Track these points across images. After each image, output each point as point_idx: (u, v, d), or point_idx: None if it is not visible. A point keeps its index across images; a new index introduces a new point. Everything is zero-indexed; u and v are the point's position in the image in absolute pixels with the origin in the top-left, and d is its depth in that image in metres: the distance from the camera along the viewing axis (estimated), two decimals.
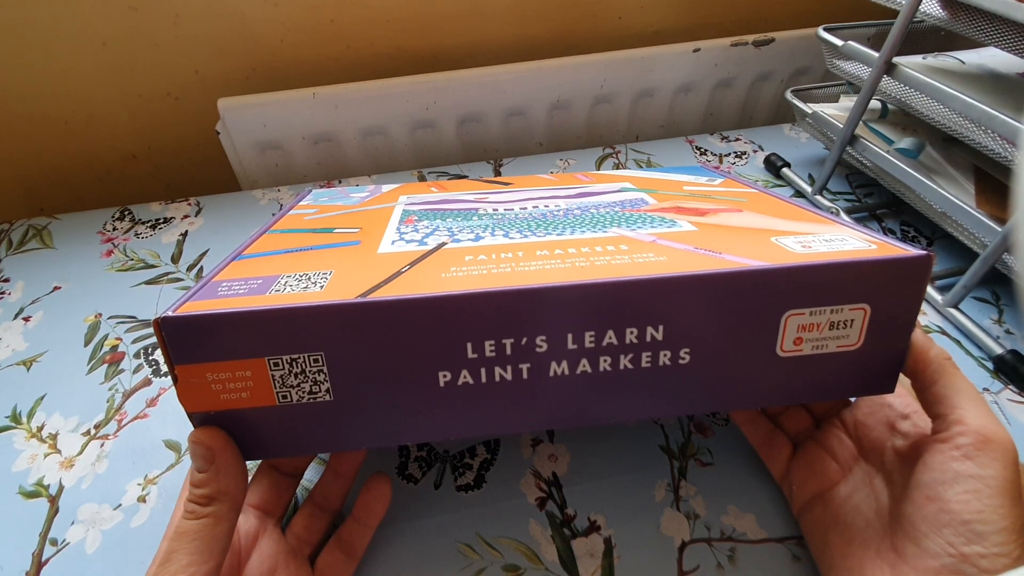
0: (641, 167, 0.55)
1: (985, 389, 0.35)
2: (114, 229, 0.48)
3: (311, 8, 0.52)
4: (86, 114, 0.54)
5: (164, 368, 0.37)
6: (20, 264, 0.45)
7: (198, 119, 0.55)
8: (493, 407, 0.22)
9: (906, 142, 0.44)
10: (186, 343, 0.20)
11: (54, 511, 0.30)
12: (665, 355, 0.22)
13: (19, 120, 0.53)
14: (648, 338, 0.21)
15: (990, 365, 0.36)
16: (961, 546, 0.20)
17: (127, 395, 0.36)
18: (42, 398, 0.36)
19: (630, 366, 0.22)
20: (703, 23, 0.63)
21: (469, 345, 0.21)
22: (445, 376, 0.21)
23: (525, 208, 0.32)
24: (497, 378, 0.22)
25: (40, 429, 0.34)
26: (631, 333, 0.21)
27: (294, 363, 0.21)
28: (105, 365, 0.37)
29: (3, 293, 0.43)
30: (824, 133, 0.50)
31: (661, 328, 0.21)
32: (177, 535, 0.20)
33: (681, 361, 0.22)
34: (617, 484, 0.30)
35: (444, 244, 0.26)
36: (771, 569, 0.27)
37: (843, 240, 0.24)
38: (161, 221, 0.49)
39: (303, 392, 0.21)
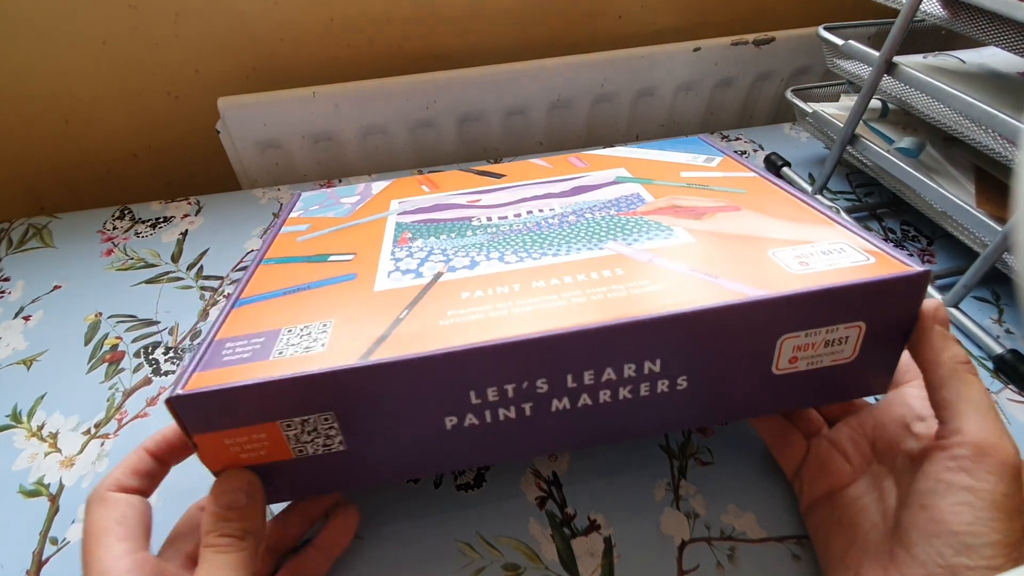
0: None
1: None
2: (114, 228, 0.48)
3: (311, 7, 0.52)
4: (86, 113, 0.54)
5: (164, 367, 0.37)
6: (20, 263, 0.45)
7: (198, 118, 0.55)
8: (499, 441, 0.23)
9: (906, 141, 0.44)
10: (199, 416, 0.21)
11: (54, 510, 0.30)
12: (663, 384, 0.23)
13: (19, 119, 0.53)
14: (646, 371, 0.22)
15: (990, 364, 0.36)
16: (950, 557, 0.20)
17: (127, 394, 0.36)
18: (42, 397, 0.36)
19: (629, 396, 0.23)
20: (703, 22, 0.63)
21: (472, 393, 0.22)
22: (451, 420, 0.22)
23: (519, 215, 0.32)
24: (501, 418, 0.22)
25: (40, 428, 0.34)
26: (629, 368, 0.22)
27: (305, 423, 0.21)
28: (105, 364, 0.37)
29: (3, 292, 0.43)
30: (824, 132, 0.50)
31: (658, 361, 0.22)
32: (215, 569, 0.20)
33: (679, 388, 0.23)
34: (617, 483, 0.30)
35: (440, 274, 0.26)
36: (771, 568, 0.27)
37: (841, 251, 0.23)
38: (161, 220, 0.49)
39: (317, 446, 0.22)
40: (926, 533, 0.21)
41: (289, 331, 0.23)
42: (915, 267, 0.22)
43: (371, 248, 0.30)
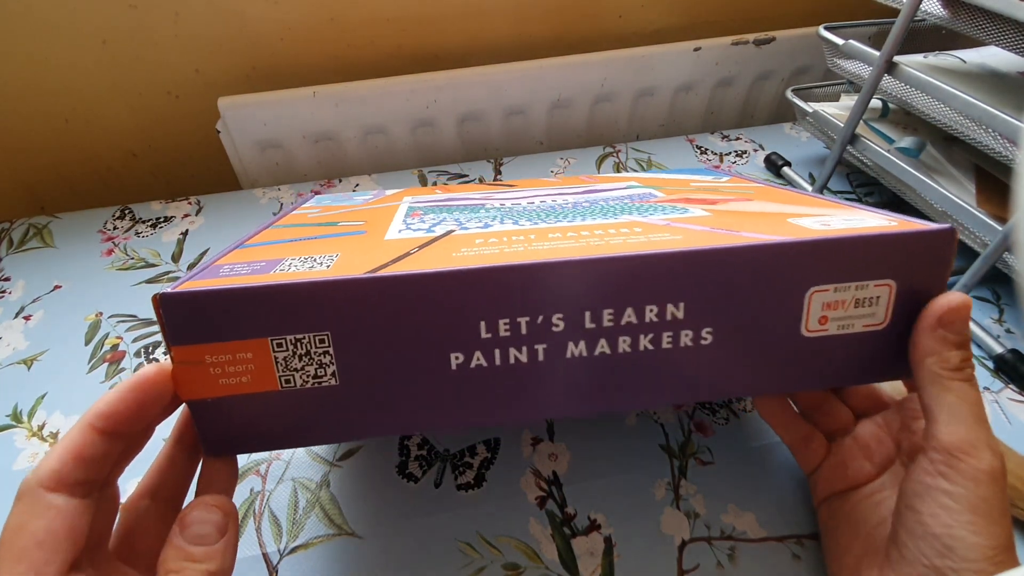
0: (642, 166, 0.55)
1: (985, 388, 0.35)
2: (114, 228, 0.48)
3: (311, 6, 0.52)
4: (86, 113, 0.54)
5: None
6: (21, 263, 0.45)
7: (198, 118, 0.55)
8: (508, 393, 0.21)
9: (907, 141, 0.44)
10: (185, 321, 0.19)
11: None
12: (686, 335, 0.21)
13: (19, 119, 0.53)
14: (669, 316, 0.21)
15: (991, 364, 0.36)
16: (934, 558, 0.20)
17: None
18: (43, 397, 0.36)
19: (650, 347, 0.21)
20: (704, 22, 0.63)
21: (483, 324, 0.20)
22: (457, 358, 0.20)
23: (532, 203, 0.31)
24: (512, 360, 0.20)
25: (41, 428, 0.34)
26: (651, 311, 0.20)
27: (298, 344, 0.19)
28: (106, 364, 0.37)
29: (4, 292, 0.43)
30: (825, 132, 0.50)
31: (682, 306, 0.20)
32: None
33: (703, 342, 0.21)
34: (617, 483, 0.30)
35: (452, 231, 0.25)
36: (771, 568, 0.27)
37: (862, 219, 0.23)
38: (161, 220, 0.49)
39: (307, 376, 0.20)
40: (913, 534, 0.21)
41: (293, 258, 0.22)
42: (940, 225, 0.21)
43: (382, 219, 0.29)
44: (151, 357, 0.38)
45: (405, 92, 0.54)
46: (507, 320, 0.20)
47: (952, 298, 0.21)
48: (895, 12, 0.39)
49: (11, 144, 0.54)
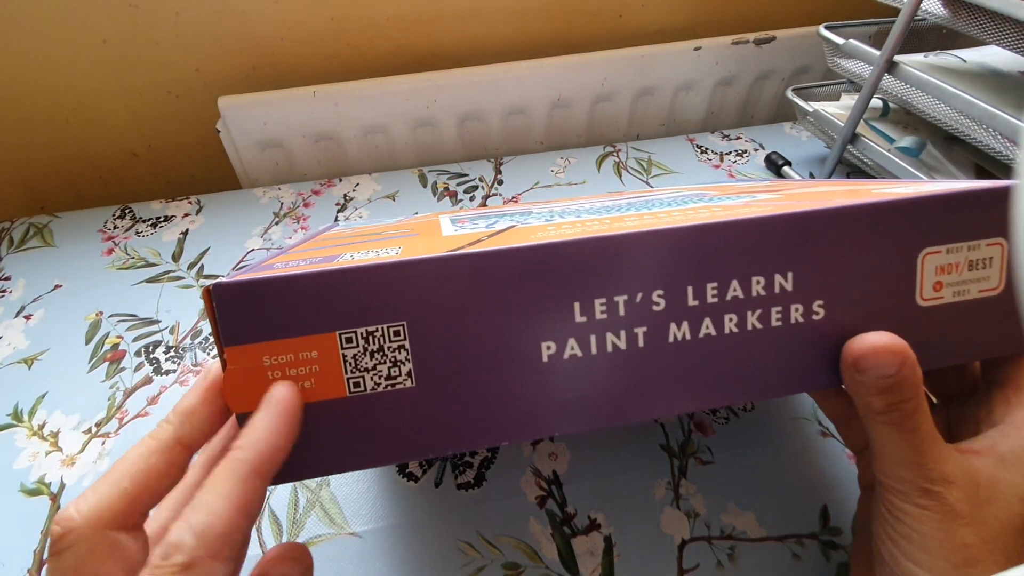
0: (642, 165, 0.54)
1: None
2: (115, 227, 0.49)
3: (312, 6, 0.52)
4: (87, 112, 0.54)
5: (165, 366, 0.37)
6: (21, 262, 0.45)
7: (198, 117, 0.55)
8: (605, 388, 0.19)
9: (907, 140, 0.44)
10: (242, 316, 0.17)
11: (55, 509, 0.30)
12: (796, 309, 0.19)
13: (19, 118, 0.53)
14: (777, 288, 0.19)
15: None
16: None
17: (128, 393, 0.36)
18: (43, 396, 0.36)
19: (758, 325, 0.19)
20: (704, 21, 0.63)
21: (577, 306, 0.18)
22: (549, 348, 0.18)
23: (583, 206, 0.29)
24: (609, 347, 0.19)
25: (41, 427, 0.34)
26: (758, 283, 0.19)
27: (371, 338, 0.18)
28: (106, 363, 0.37)
29: (4, 291, 0.43)
30: (825, 132, 0.50)
31: (790, 276, 0.19)
32: None
33: (815, 316, 0.19)
34: (617, 482, 0.30)
35: (514, 226, 0.22)
36: (771, 567, 0.27)
37: (953, 184, 0.22)
38: (162, 219, 0.49)
39: (380, 377, 0.18)
40: (878, 553, 0.20)
41: (354, 253, 0.20)
42: None
43: (430, 226, 0.27)
44: (152, 357, 0.38)
45: (405, 92, 0.54)
46: (603, 300, 0.18)
47: (870, 340, 0.19)
48: (895, 12, 0.39)
49: (11, 144, 0.54)
